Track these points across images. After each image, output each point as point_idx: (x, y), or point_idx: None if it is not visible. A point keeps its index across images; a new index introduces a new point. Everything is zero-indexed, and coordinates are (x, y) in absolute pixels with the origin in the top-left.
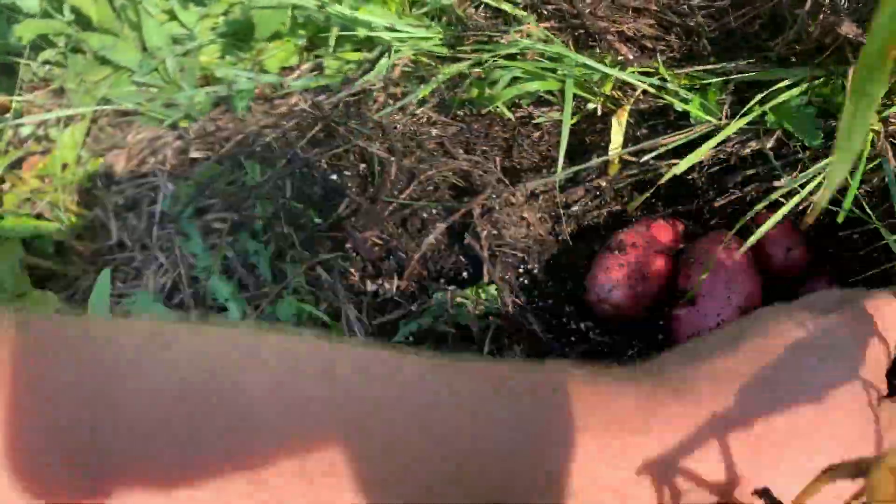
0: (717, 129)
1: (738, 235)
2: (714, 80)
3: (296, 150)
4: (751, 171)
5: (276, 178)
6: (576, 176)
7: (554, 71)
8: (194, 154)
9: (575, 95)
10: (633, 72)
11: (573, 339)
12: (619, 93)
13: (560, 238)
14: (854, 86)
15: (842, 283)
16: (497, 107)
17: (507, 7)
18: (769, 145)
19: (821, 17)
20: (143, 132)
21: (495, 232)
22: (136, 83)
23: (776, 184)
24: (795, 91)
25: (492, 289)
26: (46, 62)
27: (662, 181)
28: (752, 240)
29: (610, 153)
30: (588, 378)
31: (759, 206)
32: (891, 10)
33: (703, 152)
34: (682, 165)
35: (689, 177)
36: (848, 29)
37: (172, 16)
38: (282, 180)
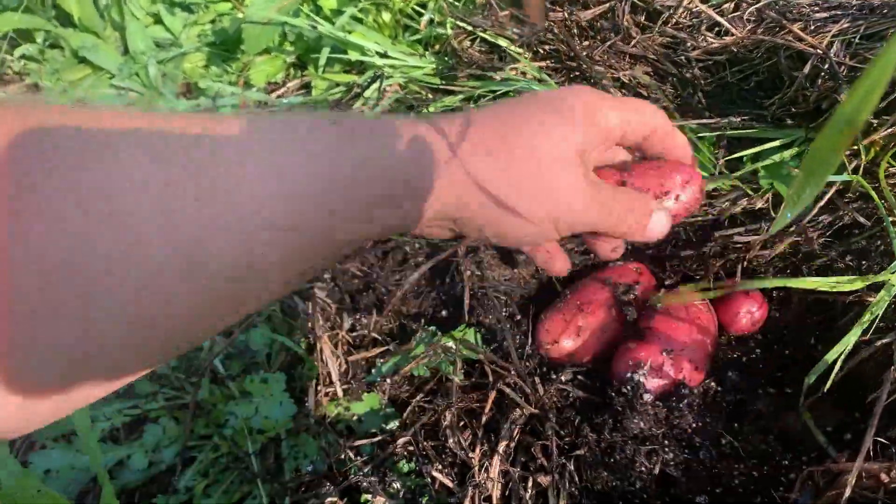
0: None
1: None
2: (707, 133)
3: None
4: (737, 229)
5: None
6: None
7: None
8: None
9: None
10: None
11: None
12: None
13: (544, 281)
14: (808, 162)
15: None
16: None
17: (503, 43)
18: (759, 205)
19: (819, 81)
20: None
21: (479, 273)
22: (115, 87)
23: (737, 237)
24: (788, 153)
25: (472, 332)
26: (23, 56)
27: None
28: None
29: None
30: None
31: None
32: (851, 107)
33: None
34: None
35: (674, 229)
36: None
37: (158, 20)
38: None
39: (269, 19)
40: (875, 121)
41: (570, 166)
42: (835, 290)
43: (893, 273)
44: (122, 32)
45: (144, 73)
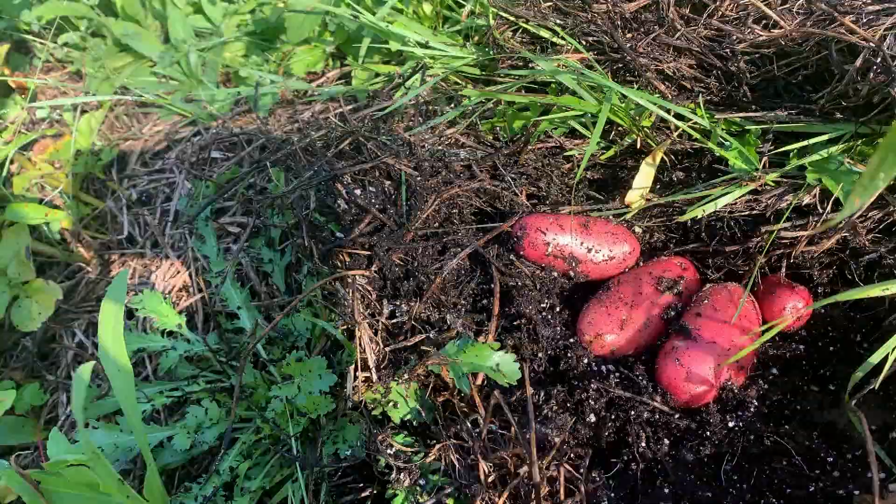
0: (754, 180)
1: (745, 286)
2: (753, 127)
3: (323, 163)
4: (784, 224)
5: (302, 188)
6: (601, 211)
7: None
8: (214, 153)
9: (612, 128)
10: (671, 111)
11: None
12: (655, 133)
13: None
14: (888, 140)
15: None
16: (527, 128)
17: (545, 34)
18: (807, 201)
19: (870, 75)
20: (161, 125)
21: (514, 267)
22: (157, 74)
23: (783, 233)
24: (836, 148)
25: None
26: (66, 44)
27: (684, 218)
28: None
29: (628, 195)
30: None
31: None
32: None
33: (731, 197)
34: (706, 208)
35: (718, 224)
36: None
37: (198, 9)
38: (306, 191)
39: (312, 8)
40: None
41: None
42: (887, 293)
43: None
44: (163, 21)
45: (185, 61)
